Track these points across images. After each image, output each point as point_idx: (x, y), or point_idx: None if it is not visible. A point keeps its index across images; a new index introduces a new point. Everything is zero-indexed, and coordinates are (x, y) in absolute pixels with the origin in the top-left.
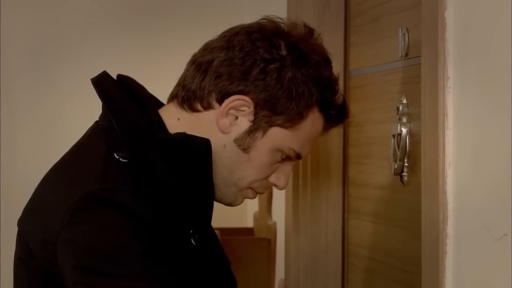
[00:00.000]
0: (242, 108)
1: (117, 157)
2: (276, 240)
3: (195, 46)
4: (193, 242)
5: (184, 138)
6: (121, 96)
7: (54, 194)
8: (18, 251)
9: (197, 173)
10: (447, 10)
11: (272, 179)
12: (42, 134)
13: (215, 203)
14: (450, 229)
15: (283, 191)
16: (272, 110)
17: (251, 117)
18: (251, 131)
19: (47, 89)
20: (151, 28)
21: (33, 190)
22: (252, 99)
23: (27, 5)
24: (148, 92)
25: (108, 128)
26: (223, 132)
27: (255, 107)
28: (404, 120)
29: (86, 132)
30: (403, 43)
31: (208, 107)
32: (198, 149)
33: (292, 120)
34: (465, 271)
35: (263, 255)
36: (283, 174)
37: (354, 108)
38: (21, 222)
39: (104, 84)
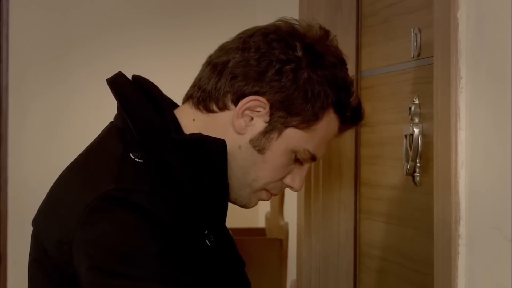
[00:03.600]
0: (258, 109)
1: (133, 158)
2: (288, 241)
3: (206, 45)
4: (208, 243)
5: (199, 139)
6: (136, 97)
7: (69, 194)
8: (33, 251)
9: (212, 174)
10: (459, 10)
11: (287, 180)
12: (51, 130)
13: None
14: (462, 229)
15: None
16: (287, 111)
17: (267, 118)
18: (266, 132)
19: (57, 85)
20: (162, 25)
21: (42, 189)
22: (268, 100)
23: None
24: (163, 93)
25: (124, 129)
26: (239, 133)
27: (271, 108)
28: (416, 120)
29: (101, 133)
30: (415, 43)
31: (223, 108)
32: (214, 150)
33: (308, 121)
34: (478, 272)
35: (275, 255)
36: (298, 175)
37: (366, 108)
38: (36, 222)
39: (119, 84)
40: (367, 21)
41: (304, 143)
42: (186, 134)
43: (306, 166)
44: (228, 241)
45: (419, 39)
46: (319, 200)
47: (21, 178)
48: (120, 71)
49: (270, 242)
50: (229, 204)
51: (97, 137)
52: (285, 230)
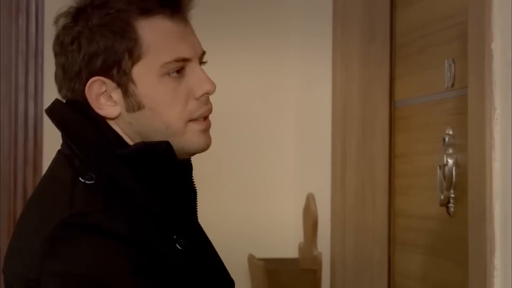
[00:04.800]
0: (102, 88)
1: (83, 181)
2: (322, 271)
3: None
4: (178, 247)
5: (143, 148)
6: (75, 121)
7: (28, 229)
8: None
9: (168, 175)
10: (494, 41)
11: (197, 92)
12: None
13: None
14: (497, 260)
15: (328, 220)
16: (114, 65)
17: (113, 85)
18: (125, 92)
19: None
20: None
21: None
22: (94, 74)
23: None
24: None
25: (70, 155)
26: (116, 117)
27: (104, 75)
28: (450, 151)
29: (51, 163)
30: (449, 74)
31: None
32: (161, 153)
33: (133, 50)
34: None
35: (308, 286)
36: (199, 81)
37: (400, 138)
38: (4, 264)
39: (57, 112)
40: (401, 51)
41: (156, 63)
42: (130, 146)
43: (195, 68)
44: (203, 242)
45: (453, 70)
46: (352, 230)
47: None
48: (56, 99)
49: (304, 272)
50: (264, 234)
51: (48, 168)
52: (318, 260)
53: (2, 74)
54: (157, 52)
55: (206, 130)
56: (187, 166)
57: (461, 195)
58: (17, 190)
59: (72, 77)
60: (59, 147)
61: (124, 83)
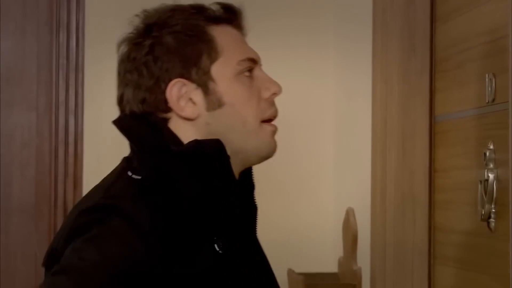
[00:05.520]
0: (182, 90)
1: (130, 174)
2: (362, 286)
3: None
4: (216, 248)
5: (196, 144)
6: (137, 126)
7: (70, 216)
8: None
9: (220, 176)
10: None
11: (265, 94)
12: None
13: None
14: None
15: (368, 235)
16: (193, 66)
17: (194, 85)
18: (206, 91)
19: None
20: None
21: None
22: (172, 78)
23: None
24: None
25: (131, 157)
26: (196, 118)
27: (184, 78)
28: (491, 165)
29: None
30: (489, 89)
31: (167, 110)
32: (211, 151)
33: (210, 50)
34: None
35: None
36: (266, 82)
37: (440, 153)
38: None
39: (122, 120)
40: (441, 66)
41: (233, 61)
42: (183, 144)
43: (259, 71)
44: (253, 249)
45: (493, 85)
46: (392, 245)
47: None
48: (123, 112)
49: (343, 287)
50: (303, 248)
51: None
52: (358, 275)
53: (42, 90)
54: (231, 51)
55: (274, 133)
56: (247, 179)
57: (502, 210)
58: (58, 205)
59: (148, 88)
60: (99, 162)
61: (204, 82)
